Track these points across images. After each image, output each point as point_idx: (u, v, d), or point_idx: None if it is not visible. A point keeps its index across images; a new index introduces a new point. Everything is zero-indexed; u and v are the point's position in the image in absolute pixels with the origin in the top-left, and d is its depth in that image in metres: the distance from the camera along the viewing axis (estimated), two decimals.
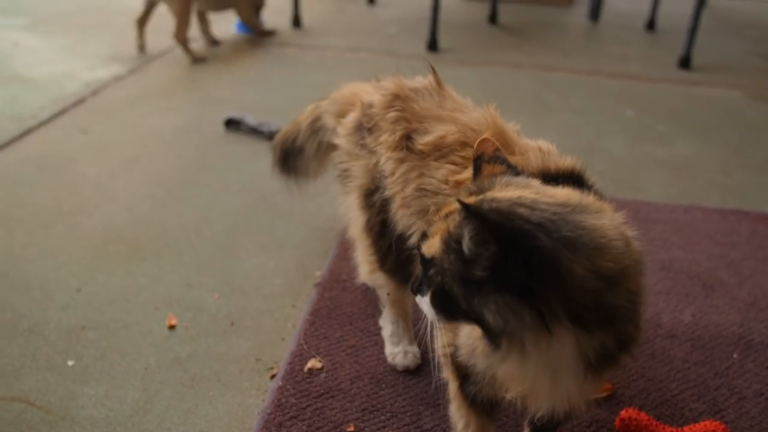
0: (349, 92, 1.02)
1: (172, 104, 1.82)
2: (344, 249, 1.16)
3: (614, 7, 3.36)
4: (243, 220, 1.29)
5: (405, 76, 0.94)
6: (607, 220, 0.55)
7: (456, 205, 0.55)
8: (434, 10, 2.33)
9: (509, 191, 0.56)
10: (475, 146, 0.65)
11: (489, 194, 0.56)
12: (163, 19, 2.61)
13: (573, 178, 0.69)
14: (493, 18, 2.84)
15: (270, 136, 1.60)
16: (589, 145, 1.70)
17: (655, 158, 1.66)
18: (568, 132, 1.77)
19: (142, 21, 2.27)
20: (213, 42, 2.36)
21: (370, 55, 2.33)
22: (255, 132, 1.61)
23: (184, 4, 2.13)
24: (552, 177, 0.67)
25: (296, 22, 2.61)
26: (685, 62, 2.36)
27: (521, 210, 0.52)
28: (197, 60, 2.17)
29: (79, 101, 1.82)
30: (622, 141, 1.74)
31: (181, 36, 2.15)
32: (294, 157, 1.12)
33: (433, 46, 2.37)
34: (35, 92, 1.87)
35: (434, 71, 0.90)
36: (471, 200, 0.55)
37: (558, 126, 1.81)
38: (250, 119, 1.64)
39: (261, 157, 1.53)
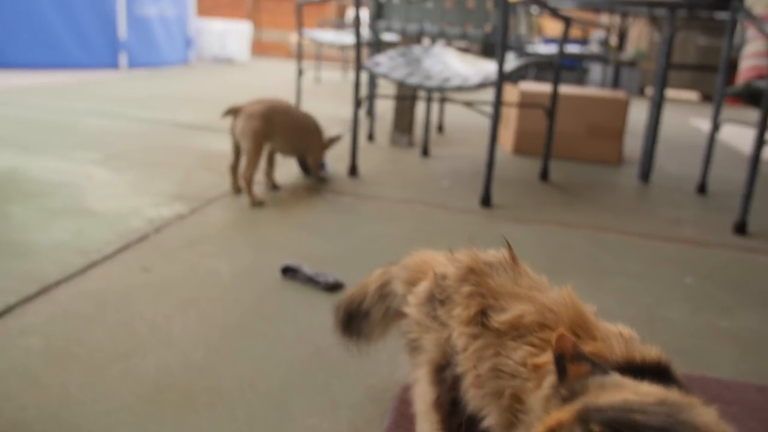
0: (421, 260, 1.03)
1: (231, 247, 1.87)
2: (400, 416, 1.12)
3: (664, 168, 3.43)
4: (298, 374, 1.28)
5: (477, 248, 0.95)
6: (709, 417, 0.53)
7: (556, 420, 0.53)
8: (489, 166, 2.41)
9: (608, 395, 0.54)
10: (553, 343, 0.64)
11: (587, 400, 0.55)
12: (226, 160, 2.75)
13: (659, 370, 0.67)
14: (544, 175, 2.92)
15: (326, 287, 1.62)
16: (650, 314, 1.67)
17: (720, 329, 1.61)
18: (627, 298, 1.75)
19: (234, 167, 2.35)
20: (273, 186, 2.46)
21: (425, 207, 2.39)
22: (311, 282, 1.63)
23: (256, 144, 2.25)
24: (637, 368, 0.65)
25: (353, 171, 2.72)
26: (740, 228, 2.36)
27: (638, 417, 0.50)
28: (256, 203, 2.25)
29: (143, 238, 1.89)
30: (684, 310, 1.70)
31: (248, 175, 2.24)
32: (359, 320, 1.12)
33: (486, 201, 2.43)
34: (102, 226, 1.95)
35: (510, 247, 0.90)
36: (570, 409, 0.54)
37: (615, 291, 1.79)
38: (307, 269, 1.66)
39: (317, 308, 1.54)
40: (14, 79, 4.86)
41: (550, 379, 0.66)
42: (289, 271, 1.68)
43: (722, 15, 3.06)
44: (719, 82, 2.74)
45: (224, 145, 3.14)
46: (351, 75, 6.99)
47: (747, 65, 2.61)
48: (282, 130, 2.37)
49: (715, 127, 2.81)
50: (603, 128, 3.42)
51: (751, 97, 2.70)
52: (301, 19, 3.97)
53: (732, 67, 2.74)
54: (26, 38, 5.46)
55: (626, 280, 1.87)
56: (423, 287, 0.95)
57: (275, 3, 10.08)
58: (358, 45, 2.61)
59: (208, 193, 2.35)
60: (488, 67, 2.61)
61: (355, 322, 1.12)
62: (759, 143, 2.30)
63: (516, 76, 4.53)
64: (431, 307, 0.90)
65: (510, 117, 3.54)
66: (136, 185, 2.39)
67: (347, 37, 4.58)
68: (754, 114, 2.73)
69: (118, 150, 2.90)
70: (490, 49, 6.43)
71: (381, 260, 1.84)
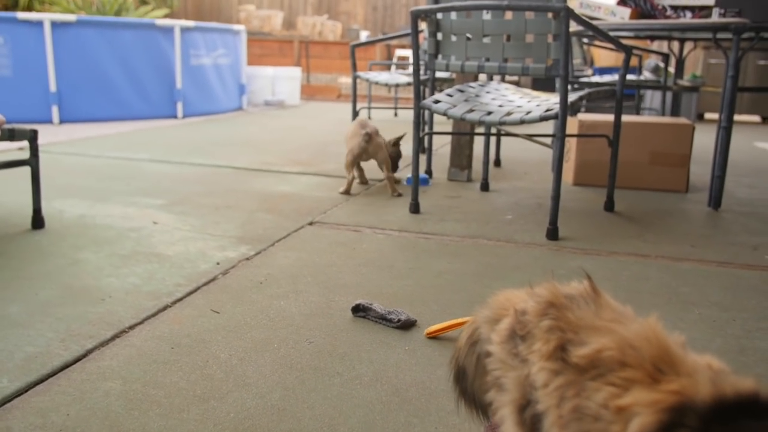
0: (504, 298, 1.02)
1: (299, 287, 1.88)
2: None
3: (734, 194, 3.32)
4: (378, 415, 1.25)
5: (558, 281, 0.93)
6: None
7: None
8: (555, 198, 2.37)
9: None
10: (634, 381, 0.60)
11: None
12: (286, 201, 2.78)
13: (756, 404, 0.62)
14: (609, 205, 2.86)
15: (399, 325, 1.60)
16: (739, 345, 1.59)
17: None
18: (712, 329, 1.67)
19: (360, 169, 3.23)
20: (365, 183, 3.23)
21: (490, 242, 2.36)
22: (383, 320, 1.62)
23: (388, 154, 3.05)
24: (730, 404, 0.61)
25: (415, 207, 2.72)
26: None
27: None
28: (396, 193, 3.01)
29: (211, 280, 1.91)
30: None
31: (391, 174, 3.04)
32: (462, 379, 1.08)
33: (553, 234, 2.38)
34: (171, 270, 1.99)
35: (589, 278, 0.88)
36: None
37: (699, 322, 1.71)
38: (378, 306, 1.65)
39: (391, 347, 1.52)
40: (79, 132, 5.08)
41: (637, 422, 0.63)
42: (360, 310, 1.66)
43: None
44: None
45: (283, 187, 3.19)
46: (401, 113, 7.06)
47: None
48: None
49: None
50: (667, 155, 3.34)
51: None
52: (355, 61, 4.05)
53: None
54: (90, 93, 5.72)
55: (709, 310, 1.79)
56: (504, 324, 0.93)
57: (322, 48, 10.35)
58: (417, 83, 2.63)
59: (271, 235, 2.38)
60: (549, 100, 2.59)
61: (461, 382, 1.09)
62: None
63: (574, 108, 4.49)
64: (513, 344, 0.88)
65: (569, 148, 3.50)
66: (201, 229, 2.44)
67: (400, 77, 4.63)
68: None
69: (180, 195, 2.98)
70: (541, 82, 6.41)
71: (451, 297, 1.83)
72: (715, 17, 3.09)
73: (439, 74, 5.00)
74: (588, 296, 0.85)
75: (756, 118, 8.44)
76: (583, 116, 3.53)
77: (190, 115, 6.31)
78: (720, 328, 1.68)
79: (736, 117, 8.30)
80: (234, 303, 1.76)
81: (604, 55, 8.10)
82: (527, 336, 0.85)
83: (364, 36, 10.98)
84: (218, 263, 2.06)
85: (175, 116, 6.18)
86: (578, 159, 3.41)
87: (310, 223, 2.54)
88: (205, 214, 2.66)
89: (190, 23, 6.28)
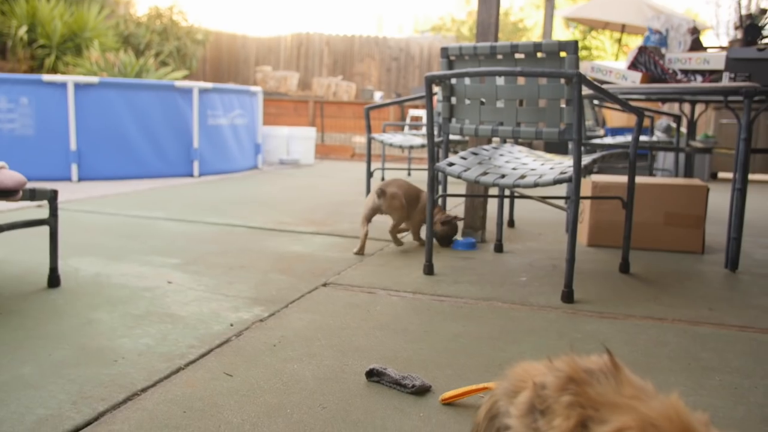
0: (522, 370, 1.02)
1: (313, 350, 1.87)
2: None
3: (752, 255, 3.30)
4: None
5: (577, 354, 0.93)
6: None
7: None
8: (570, 261, 2.37)
9: None
10: None
11: None
12: (300, 261, 2.79)
13: None
14: (625, 267, 2.84)
15: (413, 390, 1.58)
16: (763, 414, 1.55)
17: None
18: (734, 397, 1.64)
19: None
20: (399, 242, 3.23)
21: (505, 305, 2.35)
22: (398, 385, 1.60)
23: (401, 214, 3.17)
24: None
25: (429, 269, 2.72)
26: None
27: None
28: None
29: (225, 342, 1.91)
30: None
31: (395, 231, 3.20)
32: None
33: (568, 297, 2.37)
34: (184, 331, 1.99)
35: (610, 353, 0.88)
36: None
37: (720, 389, 1.68)
38: (393, 371, 1.64)
39: (406, 413, 1.50)
40: (97, 189, 5.17)
41: None
42: (374, 375, 1.65)
43: None
44: None
45: (297, 247, 3.21)
46: (415, 173, 7.14)
47: None
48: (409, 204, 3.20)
49: None
50: (682, 216, 3.34)
51: None
52: (369, 123, 4.13)
53: None
54: (109, 152, 5.84)
55: (730, 376, 1.76)
56: (523, 398, 0.93)
57: (336, 108, 10.56)
58: (431, 146, 2.67)
59: (285, 296, 2.38)
60: (563, 163, 2.62)
61: None
62: None
63: (588, 170, 4.53)
64: (532, 419, 0.87)
65: (583, 209, 3.51)
66: (215, 289, 2.45)
67: (413, 139, 4.71)
68: None
69: (195, 254, 3.00)
70: (553, 144, 6.48)
71: (466, 361, 1.81)
72: (725, 81, 3.14)
73: (452, 136, 5.08)
74: (608, 371, 0.85)
75: None
76: (596, 178, 3.56)
77: (206, 174, 6.41)
78: (742, 396, 1.65)
79: (750, 176, 8.32)
80: (247, 366, 1.75)
81: (616, 116, 8.20)
82: (547, 411, 0.84)
83: (378, 96, 11.22)
84: (232, 324, 2.06)
85: (191, 175, 6.28)
86: (592, 220, 3.41)
87: (324, 285, 2.55)
88: (219, 273, 2.67)
89: (208, 85, 6.45)
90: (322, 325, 2.08)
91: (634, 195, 3.20)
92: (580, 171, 2.30)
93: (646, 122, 5.51)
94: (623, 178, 3.36)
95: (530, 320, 2.19)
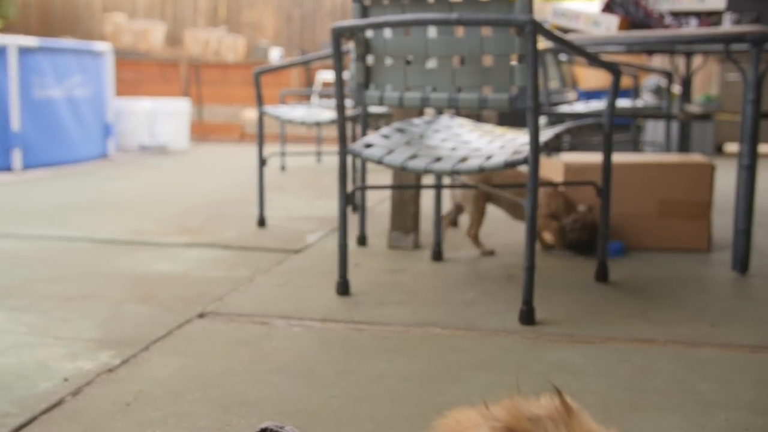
0: (454, 422, 1.04)
1: (183, 409, 1.84)
2: None
3: (766, 252, 3.45)
4: None
5: (524, 396, 0.96)
6: None
7: None
8: (528, 270, 2.42)
9: None
10: None
11: None
12: (168, 284, 2.76)
13: None
14: (602, 274, 2.93)
15: None
16: None
17: None
18: None
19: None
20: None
21: (445, 331, 2.38)
22: None
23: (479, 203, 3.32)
24: None
25: (343, 288, 2.73)
26: None
27: None
28: (486, 253, 3.35)
29: (55, 405, 1.86)
30: None
31: (473, 233, 3.35)
32: None
33: (528, 317, 2.43)
34: None
35: (560, 394, 0.91)
36: None
37: (726, 430, 1.76)
38: (294, 431, 1.63)
39: None
40: None
41: None
42: None
43: None
44: None
45: (164, 265, 3.16)
46: (327, 159, 7.14)
47: None
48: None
49: None
50: (681, 204, 3.46)
51: None
52: (260, 92, 4.10)
53: None
54: None
55: (739, 413, 1.84)
56: None
57: (219, 72, 10.44)
58: (342, 122, 2.68)
59: (145, 334, 2.34)
60: (516, 140, 2.67)
61: None
62: None
63: (552, 147, 4.63)
64: None
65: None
66: (44, 330, 2.38)
67: (321, 112, 4.71)
68: None
69: (14, 282, 2.91)
70: (508, 115, 6.62)
71: (393, 410, 1.82)
72: (726, 25, 3.28)
73: (374, 109, 5.10)
74: (558, 418, 0.88)
75: None
76: (569, 158, 3.65)
77: (33, 167, 6.23)
78: None
79: (765, 148, 8.71)
80: None
81: (592, 75, 8.45)
82: None
83: (276, 55, 11.16)
84: (66, 379, 2.00)
85: (9, 168, 6.09)
86: None
87: (201, 316, 2.52)
88: (49, 308, 2.60)
89: (33, 41, 6.28)
90: (197, 372, 2.06)
91: (617, 179, 3.30)
92: (538, 149, 2.36)
93: (629, 82, 5.69)
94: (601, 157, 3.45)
95: (478, 350, 2.22)
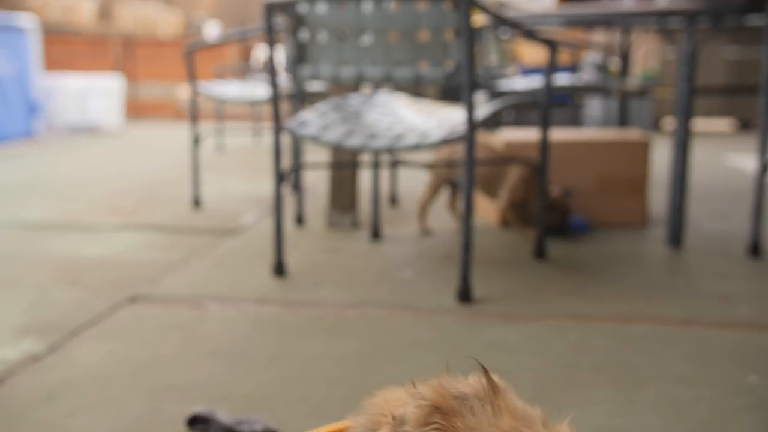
0: (383, 400, 1.05)
1: (112, 396, 1.83)
2: None
3: (701, 227, 3.54)
4: None
5: (453, 375, 0.97)
6: None
7: None
8: (465, 248, 2.45)
9: None
10: None
11: None
12: (97, 268, 2.73)
13: None
14: (540, 251, 2.97)
15: None
16: None
17: None
18: (673, 412, 1.76)
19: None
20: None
21: (380, 311, 2.40)
22: None
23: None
24: None
25: (279, 269, 2.72)
26: None
27: None
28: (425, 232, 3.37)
29: None
30: (753, 422, 1.72)
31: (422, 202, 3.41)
32: None
33: (465, 295, 2.45)
34: None
35: (487, 373, 0.92)
36: None
37: (656, 403, 1.80)
38: (224, 416, 1.63)
39: None
40: None
41: None
42: (199, 422, 1.64)
43: (756, 20, 3.24)
44: (762, 107, 2.87)
45: (93, 248, 3.11)
46: (266, 138, 7.08)
47: None
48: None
49: (763, 166, 2.92)
50: (618, 181, 3.53)
51: None
52: (192, 70, 4.04)
53: None
54: None
55: (669, 386, 1.89)
56: None
57: (153, 48, 10.27)
58: (276, 99, 2.66)
59: (72, 320, 2.31)
60: (453, 116, 2.69)
61: None
62: None
63: (492, 122, 4.65)
64: None
65: None
66: None
67: (257, 90, 4.66)
68: None
69: None
70: (451, 91, 6.65)
71: (327, 392, 1.83)
72: (662, 1, 3.33)
73: (315, 86, 5.06)
74: (485, 397, 0.89)
75: (728, 125, 9.09)
76: (509, 135, 3.68)
77: None
78: (683, 411, 1.77)
79: (706, 124, 8.91)
80: (11, 427, 1.69)
81: (534, 52, 8.52)
82: None
83: (212, 30, 11.01)
84: None
85: None
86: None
87: (131, 300, 2.49)
88: None
89: None
90: (126, 358, 2.04)
91: (556, 155, 3.34)
92: (474, 126, 2.37)
93: (567, 57, 5.76)
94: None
95: (415, 330, 2.24)
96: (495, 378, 0.93)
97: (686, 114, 3.08)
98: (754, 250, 3.03)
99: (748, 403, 1.81)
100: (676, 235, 3.15)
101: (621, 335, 2.22)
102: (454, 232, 3.41)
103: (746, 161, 5.54)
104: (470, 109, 2.36)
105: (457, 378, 0.96)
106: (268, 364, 2.00)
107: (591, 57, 7.20)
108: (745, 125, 8.37)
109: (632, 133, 3.85)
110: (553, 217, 3.27)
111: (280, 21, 2.90)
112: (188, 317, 2.35)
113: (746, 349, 2.13)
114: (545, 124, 2.87)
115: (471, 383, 0.93)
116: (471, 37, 2.35)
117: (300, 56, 2.69)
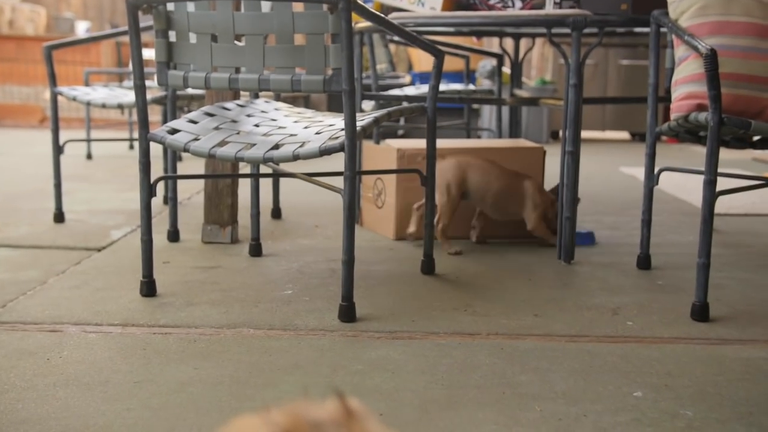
0: (236, 428, 1.04)
1: None
2: None
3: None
4: None
5: (312, 398, 0.97)
6: None
7: None
8: (347, 264, 2.45)
9: None
10: None
11: None
12: None
13: None
14: (428, 266, 3.01)
15: None
16: None
17: None
18: (556, 431, 1.80)
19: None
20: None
21: (258, 332, 2.38)
22: None
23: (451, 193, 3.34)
24: None
25: (149, 288, 2.67)
26: (700, 312, 2.52)
27: None
28: (454, 253, 3.32)
29: None
30: None
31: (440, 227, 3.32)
32: None
33: (348, 313, 2.46)
34: None
35: (341, 398, 0.93)
36: None
37: (540, 422, 1.84)
38: None
39: None
40: None
41: None
42: None
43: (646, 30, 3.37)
44: (649, 119, 2.99)
45: None
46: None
47: (681, 93, 2.85)
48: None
49: (651, 178, 3.04)
50: None
51: (691, 133, 2.97)
52: (53, 71, 3.93)
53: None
54: None
55: (554, 404, 1.94)
56: None
57: (14, 46, 9.95)
58: (143, 105, 2.62)
59: None
60: (335, 125, 2.69)
61: None
62: (710, 195, 2.50)
63: (381, 132, 4.69)
64: None
65: (383, 189, 3.63)
66: None
67: (126, 94, 4.57)
68: (699, 153, 3.00)
69: None
70: (337, 98, 6.70)
71: (197, 421, 1.82)
72: (549, 8, 3.43)
73: (192, 90, 4.99)
74: (341, 422, 0.89)
75: (625, 135, 9.42)
76: (402, 144, 3.70)
77: None
78: (567, 429, 1.82)
79: (603, 134, 9.21)
80: None
81: (428, 58, 8.64)
82: None
83: (82, 29, 10.77)
84: None
85: None
86: (400, 203, 3.54)
87: None
88: None
89: None
90: None
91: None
92: (355, 135, 2.38)
93: (460, 65, 5.86)
94: (442, 143, 3.53)
95: (294, 351, 2.23)
96: (352, 403, 0.93)
97: (575, 123, 3.17)
98: (644, 262, 3.14)
99: (632, 418, 1.87)
100: (567, 249, 3.23)
101: (508, 352, 2.26)
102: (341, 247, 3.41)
103: (639, 171, 5.74)
104: (352, 116, 2.38)
105: (315, 403, 0.96)
106: (132, 392, 1.95)
107: (485, 63, 7.36)
108: (640, 136, 8.68)
109: (523, 141, 3.94)
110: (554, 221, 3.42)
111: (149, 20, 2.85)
112: (44, 343, 2.28)
113: (632, 363, 2.20)
114: (432, 133, 2.91)
115: (328, 408, 0.93)
116: (351, 41, 2.37)
117: (168, 59, 2.66)
